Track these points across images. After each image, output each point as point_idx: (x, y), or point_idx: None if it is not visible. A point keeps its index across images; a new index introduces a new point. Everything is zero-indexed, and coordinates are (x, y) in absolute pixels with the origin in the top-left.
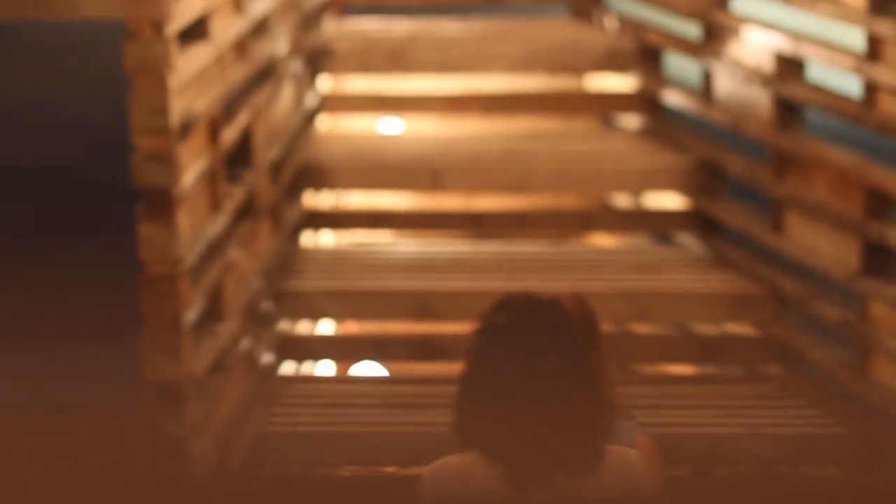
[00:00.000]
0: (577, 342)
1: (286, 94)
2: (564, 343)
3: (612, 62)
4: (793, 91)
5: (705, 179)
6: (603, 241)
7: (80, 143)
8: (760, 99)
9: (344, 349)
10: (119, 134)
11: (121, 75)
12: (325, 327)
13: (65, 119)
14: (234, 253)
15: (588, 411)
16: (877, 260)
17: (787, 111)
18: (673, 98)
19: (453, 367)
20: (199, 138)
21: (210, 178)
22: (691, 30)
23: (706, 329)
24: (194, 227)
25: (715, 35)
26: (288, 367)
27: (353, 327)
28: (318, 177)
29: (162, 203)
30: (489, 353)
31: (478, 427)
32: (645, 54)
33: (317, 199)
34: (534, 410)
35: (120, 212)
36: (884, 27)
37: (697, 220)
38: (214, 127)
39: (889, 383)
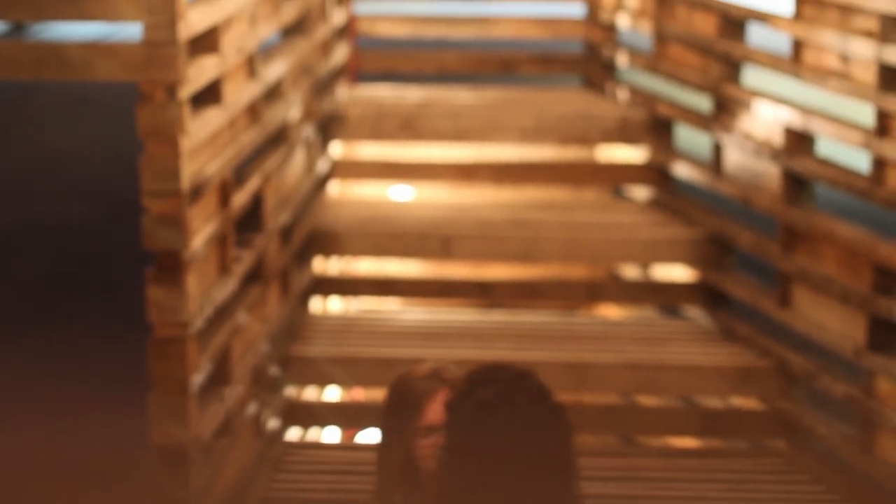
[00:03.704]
0: (561, 414)
1: (298, 159)
2: (549, 416)
3: (623, 133)
4: (802, 165)
5: (714, 252)
6: (611, 312)
7: (92, 204)
8: (770, 172)
9: (350, 416)
10: (131, 195)
11: (132, 137)
12: (332, 394)
13: (77, 179)
14: (242, 317)
15: (571, 486)
16: (884, 336)
17: (797, 185)
18: (683, 170)
19: None
20: (209, 202)
21: (220, 242)
22: (702, 102)
23: (712, 402)
24: (203, 290)
25: (725, 108)
26: (294, 433)
27: (359, 394)
28: (327, 242)
29: (171, 266)
30: (474, 427)
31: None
32: (655, 126)
33: (326, 265)
34: (519, 486)
35: (130, 273)
36: (893, 103)
37: (705, 293)
38: (225, 191)
39: (894, 460)
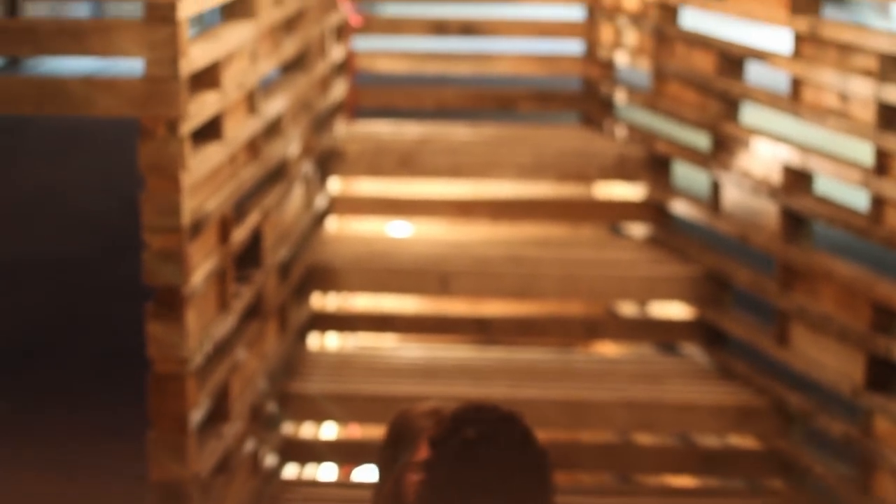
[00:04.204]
0: (543, 459)
1: (297, 195)
2: (530, 460)
3: (621, 171)
4: (800, 203)
5: (711, 290)
6: (608, 349)
7: (89, 238)
8: (768, 210)
9: (347, 453)
10: (129, 230)
11: (130, 170)
12: (329, 431)
13: (75, 213)
14: (241, 353)
15: None
16: (882, 375)
17: (795, 223)
18: (680, 207)
19: None
20: (209, 237)
21: (219, 278)
22: (700, 140)
23: (709, 441)
24: (203, 326)
25: (724, 146)
26: (291, 471)
27: (356, 431)
28: (325, 278)
29: (171, 302)
30: (455, 466)
31: None
32: (653, 163)
33: (324, 301)
34: None
35: (128, 309)
36: (892, 142)
37: (703, 331)
38: (225, 226)
39: (893, 501)
